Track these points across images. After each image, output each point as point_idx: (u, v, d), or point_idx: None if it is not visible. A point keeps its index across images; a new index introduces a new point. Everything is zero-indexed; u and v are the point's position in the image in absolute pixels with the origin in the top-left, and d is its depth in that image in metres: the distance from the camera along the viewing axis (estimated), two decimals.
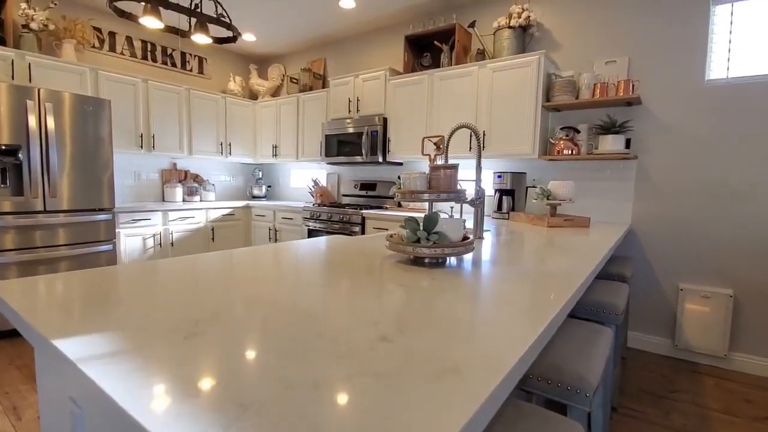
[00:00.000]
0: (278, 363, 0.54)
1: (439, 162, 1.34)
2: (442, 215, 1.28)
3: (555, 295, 0.91)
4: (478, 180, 1.85)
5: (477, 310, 0.79)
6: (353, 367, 0.53)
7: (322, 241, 1.67)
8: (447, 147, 1.78)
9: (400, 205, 3.91)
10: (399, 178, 3.92)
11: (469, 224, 2.33)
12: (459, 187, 1.27)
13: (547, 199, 2.48)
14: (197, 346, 0.59)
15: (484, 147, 3.09)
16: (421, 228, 1.20)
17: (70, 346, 0.58)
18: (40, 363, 0.93)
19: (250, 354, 0.56)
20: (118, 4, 2.14)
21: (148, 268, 1.10)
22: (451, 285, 0.98)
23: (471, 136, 3.15)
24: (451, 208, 1.52)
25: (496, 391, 0.50)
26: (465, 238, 1.28)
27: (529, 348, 0.62)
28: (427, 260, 1.24)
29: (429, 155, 1.30)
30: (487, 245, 1.64)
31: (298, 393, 0.46)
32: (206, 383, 0.48)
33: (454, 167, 1.23)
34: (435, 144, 1.30)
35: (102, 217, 3.24)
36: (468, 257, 1.34)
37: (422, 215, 3.22)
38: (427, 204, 3.15)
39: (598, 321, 1.66)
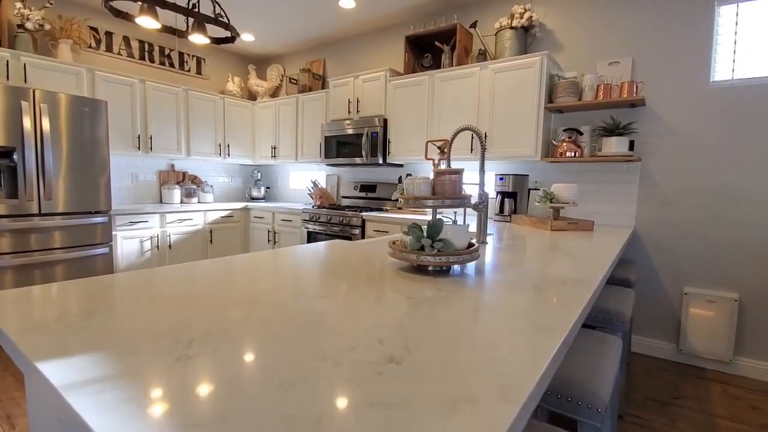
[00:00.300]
0: (278, 391, 0.50)
1: (443, 166, 1.30)
2: (446, 220, 1.25)
3: (567, 307, 0.87)
4: (481, 184, 1.81)
5: (486, 324, 0.76)
6: (360, 396, 0.49)
7: (321, 247, 1.63)
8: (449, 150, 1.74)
9: (400, 208, 3.87)
10: (400, 180, 3.88)
11: (472, 228, 2.29)
12: (464, 193, 1.23)
13: (551, 202, 2.44)
14: (190, 370, 0.55)
15: (485, 149, 3.06)
16: (425, 235, 1.17)
17: (55, 371, 0.54)
18: (28, 380, 0.89)
19: (248, 380, 0.52)
20: (113, 4, 2.10)
21: (142, 278, 1.06)
22: (458, 296, 0.94)
23: (473, 137, 3.11)
24: (455, 212, 1.48)
25: (516, 422, 0.46)
26: (470, 245, 1.24)
27: (545, 370, 0.58)
28: (431, 268, 1.20)
29: (433, 159, 1.26)
30: (491, 251, 1.60)
31: (299, 428, 0.42)
32: (200, 417, 0.44)
33: (459, 172, 1.20)
34: (439, 148, 1.26)
35: (98, 219, 3.19)
36: (472, 264, 1.30)
37: (423, 218, 3.16)
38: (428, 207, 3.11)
39: (604, 328, 1.63)
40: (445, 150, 1.26)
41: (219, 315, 0.77)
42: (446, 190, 1.18)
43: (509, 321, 0.78)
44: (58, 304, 0.82)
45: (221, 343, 0.64)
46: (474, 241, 1.78)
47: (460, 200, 1.17)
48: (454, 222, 1.30)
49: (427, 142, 1.28)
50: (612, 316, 1.60)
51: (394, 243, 1.30)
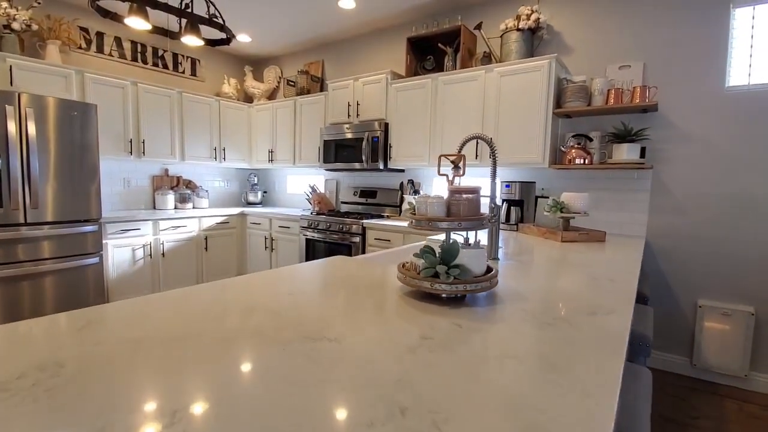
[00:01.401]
0: None
1: (457, 182, 1.19)
2: (456, 238, 1.14)
3: (608, 352, 0.77)
4: (492, 196, 1.71)
5: (519, 378, 0.65)
6: None
7: (322, 267, 1.52)
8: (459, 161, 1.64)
9: (401, 214, 3.76)
10: (401, 186, 3.74)
11: (482, 241, 2.19)
12: (482, 213, 1.12)
13: (561, 211, 2.34)
14: None
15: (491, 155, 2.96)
16: (440, 260, 1.06)
17: None
18: None
19: None
20: (101, 4, 1.98)
21: (126, 311, 0.95)
22: (480, 335, 0.83)
23: (477, 143, 3.01)
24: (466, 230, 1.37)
25: None
26: (488, 269, 1.13)
27: None
28: (444, 295, 1.09)
29: (446, 175, 1.15)
30: (504, 268, 1.50)
31: None
32: None
33: (477, 191, 1.09)
34: (452, 162, 1.15)
35: (88, 228, 3.07)
36: None
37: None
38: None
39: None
40: (460, 165, 1.16)
41: (207, 367, 0.66)
42: (462, 210, 1.07)
43: (546, 373, 0.67)
44: (25, 353, 0.71)
45: (209, 413, 0.53)
46: (489, 263, 1.67)
47: (477, 222, 1.06)
48: (466, 240, 1.19)
49: (440, 156, 1.17)
50: (635, 340, 1.50)
51: (403, 266, 1.20)
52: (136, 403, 0.56)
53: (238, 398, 0.58)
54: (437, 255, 1.09)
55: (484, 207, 2.79)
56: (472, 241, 1.16)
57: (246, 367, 0.68)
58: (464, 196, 1.06)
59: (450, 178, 1.15)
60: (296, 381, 0.63)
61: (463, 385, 0.63)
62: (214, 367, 0.67)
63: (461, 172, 1.15)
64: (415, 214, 1.15)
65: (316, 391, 0.60)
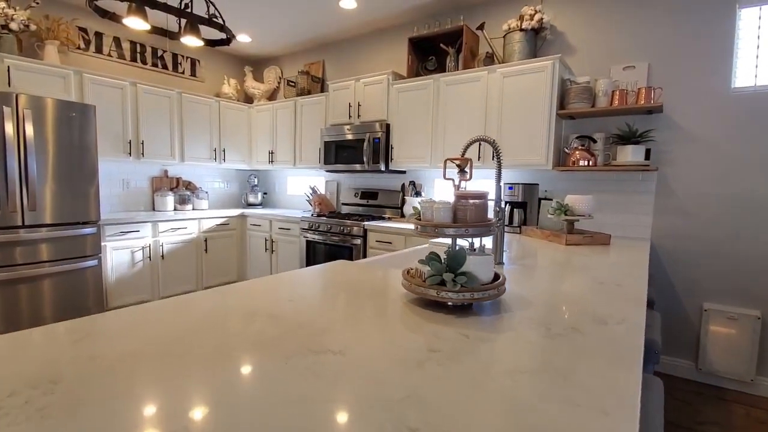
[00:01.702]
0: None
1: (463, 187, 1.16)
2: (462, 243, 1.11)
3: (623, 366, 0.74)
4: (497, 199, 1.68)
5: (533, 395, 0.62)
6: None
7: (322, 273, 1.49)
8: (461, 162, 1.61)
9: (402, 215, 3.74)
10: (402, 188, 3.71)
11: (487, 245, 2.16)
12: (490, 218, 1.09)
13: (565, 214, 2.31)
14: None
15: (494, 157, 2.93)
16: (446, 268, 1.03)
17: None
18: None
19: None
20: (99, 3, 1.95)
21: (122, 321, 0.92)
22: (489, 346, 0.80)
23: (480, 145, 2.98)
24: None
25: None
26: (495, 276, 1.10)
27: None
28: (450, 303, 1.07)
29: (452, 180, 1.13)
30: (510, 273, 1.47)
31: None
32: None
33: (484, 196, 1.06)
34: (458, 167, 1.12)
35: (87, 230, 3.03)
36: None
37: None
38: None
39: None
40: (466, 169, 1.13)
41: (207, 384, 0.63)
42: (469, 216, 1.04)
43: (559, 388, 0.64)
44: (17, 368, 0.68)
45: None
46: (496, 269, 1.65)
47: (485, 228, 1.03)
48: (471, 245, 1.16)
49: (446, 160, 1.14)
50: (644, 347, 1.46)
51: (408, 272, 1.17)
52: (133, 423, 0.53)
53: (238, 418, 0.55)
54: (443, 262, 1.06)
55: (490, 211, 2.76)
56: (477, 246, 1.14)
57: (247, 383, 0.65)
58: (471, 201, 1.04)
59: (456, 182, 1.12)
60: (299, 398, 0.60)
61: (475, 402, 0.60)
62: (214, 384, 0.64)
63: (467, 176, 1.12)
64: (420, 219, 1.12)
65: (320, 409, 0.57)
